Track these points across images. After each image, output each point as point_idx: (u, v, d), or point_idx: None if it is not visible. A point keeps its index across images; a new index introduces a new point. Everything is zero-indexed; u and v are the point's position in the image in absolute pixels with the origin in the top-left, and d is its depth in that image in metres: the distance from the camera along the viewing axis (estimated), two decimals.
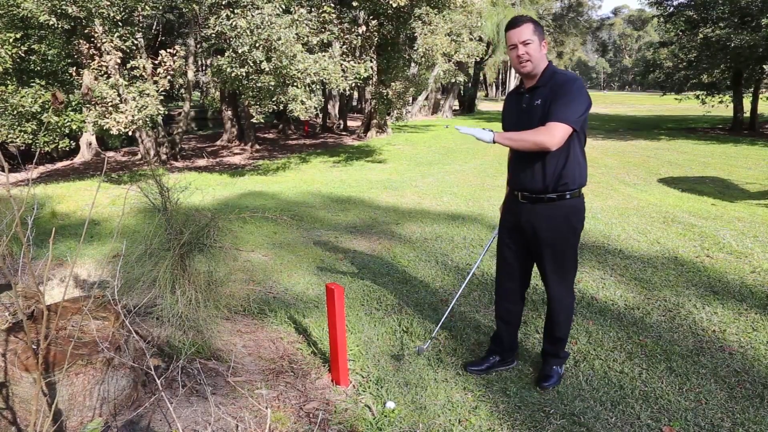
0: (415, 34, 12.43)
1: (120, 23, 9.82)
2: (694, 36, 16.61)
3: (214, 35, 9.16)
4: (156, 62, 9.76)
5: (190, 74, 12.45)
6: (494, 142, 2.22)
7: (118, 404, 2.20)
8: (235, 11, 8.62)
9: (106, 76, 9.59)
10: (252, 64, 8.76)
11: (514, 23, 2.27)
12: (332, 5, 11.65)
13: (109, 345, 2.20)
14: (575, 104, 2.17)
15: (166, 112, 10.58)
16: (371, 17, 12.82)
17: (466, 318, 3.39)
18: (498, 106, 37.12)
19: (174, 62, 9.70)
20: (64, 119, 11.34)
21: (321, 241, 5.19)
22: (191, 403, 2.30)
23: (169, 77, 9.79)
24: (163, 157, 12.89)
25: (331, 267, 4.41)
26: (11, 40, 10.35)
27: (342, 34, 11.95)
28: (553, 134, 2.13)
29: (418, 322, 3.33)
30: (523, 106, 2.36)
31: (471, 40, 13.29)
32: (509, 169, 2.57)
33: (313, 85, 9.83)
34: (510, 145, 2.26)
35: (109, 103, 9.04)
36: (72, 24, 9.56)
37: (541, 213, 2.35)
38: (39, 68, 11.85)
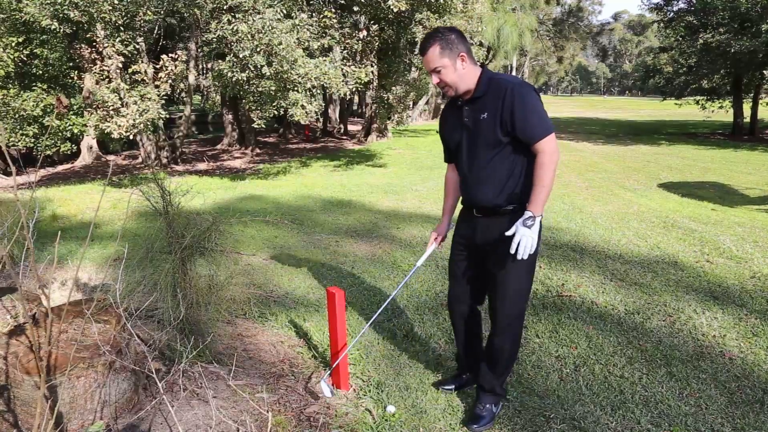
0: (416, 39, 12.47)
1: (121, 28, 9.86)
2: (694, 41, 16.65)
3: (215, 40, 9.18)
4: (157, 66, 9.80)
5: (191, 78, 12.49)
6: (541, 216, 2.06)
7: (119, 407, 2.21)
8: (237, 16, 8.65)
9: (107, 80, 9.63)
10: (253, 69, 8.79)
11: (421, 50, 2.09)
12: (333, 10, 11.70)
13: (110, 348, 2.21)
14: (540, 111, 2.03)
15: (167, 116, 10.61)
16: (372, 22, 12.86)
17: None
18: None
19: (175, 66, 9.73)
20: (66, 123, 11.38)
21: (322, 245, 5.20)
22: (192, 406, 2.31)
23: (170, 81, 9.82)
24: (164, 160, 12.90)
25: (332, 271, 4.42)
26: (13, 44, 10.41)
27: (343, 39, 11.98)
28: (551, 151, 2.02)
29: (419, 326, 3.34)
30: (465, 120, 2.16)
31: (471, 44, 13.33)
32: (458, 189, 2.40)
33: (314, 90, 9.85)
34: (546, 196, 2.04)
35: (111, 107, 9.06)
36: (74, 28, 9.61)
37: (499, 226, 2.15)
38: (41, 72, 11.89)
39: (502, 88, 2.04)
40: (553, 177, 2.03)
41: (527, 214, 2.02)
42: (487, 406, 2.35)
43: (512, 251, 2.02)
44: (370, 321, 2.69)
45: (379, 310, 2.69)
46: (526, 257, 2.02)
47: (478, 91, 2.11)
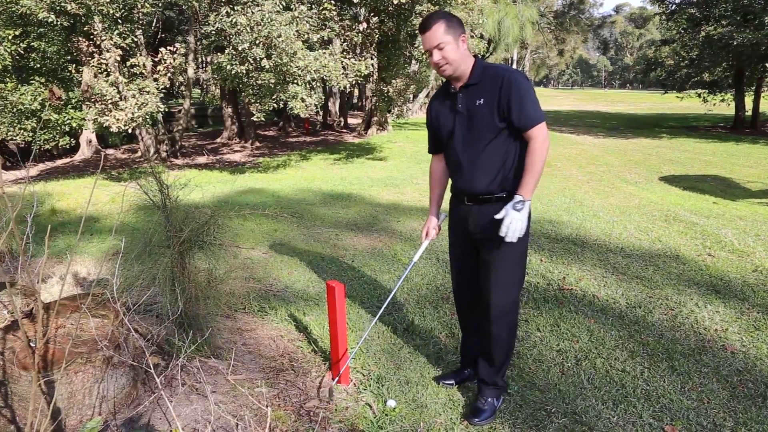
0: (416, 31, 12.38)
1: (119, 20, 9.79)
2: (696, 34, 16.57)
3: (214, 32, 9.12)
4: (156, 59, 9.73)
5: (190, 71, 12.43)
6: (530, 201, 2.09)
7: (117, 403, 2.19)
8: (235, 8, 8.59)
9: (105, 73, 9.56)
10: (252, 62, 8.74)
11: (424, 26, 2.07)
12: (333, 2, 11.62)
13: (108, 343, 2.19)
14: (534, 99, 2.08)
15: (166, 110, 10.54)
16: (372, 14, 12.78)
17: None
18: None
19: (174, 60, 9.67)
20: (64, 117, 11.32)
21: (321, 238, 5.18)
22: (191, 401, 2.29)
23: (169, 74, 9.76)
24: (163, 154, 12.86)
25: (332, 264, 4.40)
26: (10, 37, 10.33)
27: (342, 31, 11.90)
28: (543, 138, 2.07)
29: (420, 320, 3.32)
30: (459, 107, 2.16)
31: (472, 37, 13.27)
32: (445, 179, 2.45)
33: (314, 83, 9.80)
34: (536, 182, 2.09)
35: (109, 101, 9.01)
36: (71, 21, 9.53)
37: (492, 214, 2.15)
38: (38, 66, 11.81)
39: (499, 76, 2.08)
40: (544, 164, 2.08)
41: (517, 197, 2.06)
42: (489, 399, 2.35)
43: (502, 234, 2.06)
44: (372, 322, 2.68)
45: (381, 310, 2.68)
46: (515, 240, 2.05)
47: (473, 78, 2.13)
